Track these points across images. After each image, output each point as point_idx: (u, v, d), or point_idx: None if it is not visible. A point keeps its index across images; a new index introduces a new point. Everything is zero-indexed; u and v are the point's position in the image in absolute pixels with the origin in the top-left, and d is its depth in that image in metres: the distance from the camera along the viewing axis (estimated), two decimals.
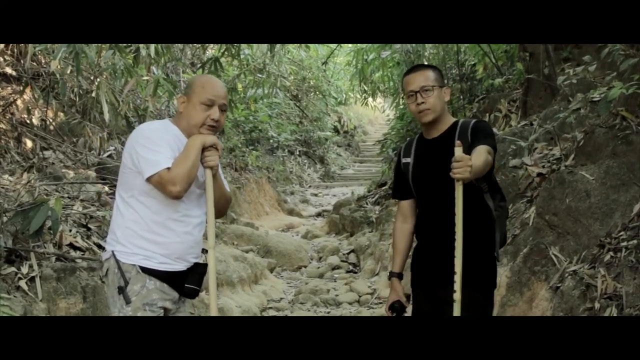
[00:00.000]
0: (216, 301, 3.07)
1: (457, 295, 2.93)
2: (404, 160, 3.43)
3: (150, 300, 2.97)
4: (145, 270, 2.97)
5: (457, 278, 2.94)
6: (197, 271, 3.14)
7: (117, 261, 2.98)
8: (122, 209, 3.03)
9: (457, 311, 2.93)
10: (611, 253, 4.38)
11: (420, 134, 3.42)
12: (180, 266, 3.06)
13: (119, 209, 3.04)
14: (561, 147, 5.89)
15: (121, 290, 2.95)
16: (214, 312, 3.04)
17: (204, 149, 2.99)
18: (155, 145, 2.92)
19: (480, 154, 3.02)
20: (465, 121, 3.30)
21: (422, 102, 3.21)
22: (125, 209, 3.01)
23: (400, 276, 3.47)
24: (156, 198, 2.97)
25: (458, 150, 2.90)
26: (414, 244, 3.50)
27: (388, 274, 3.63)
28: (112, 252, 3.00)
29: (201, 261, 3.17)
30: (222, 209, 3.22)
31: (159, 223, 2.98)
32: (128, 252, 2.98)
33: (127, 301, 2.94)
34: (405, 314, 3.48)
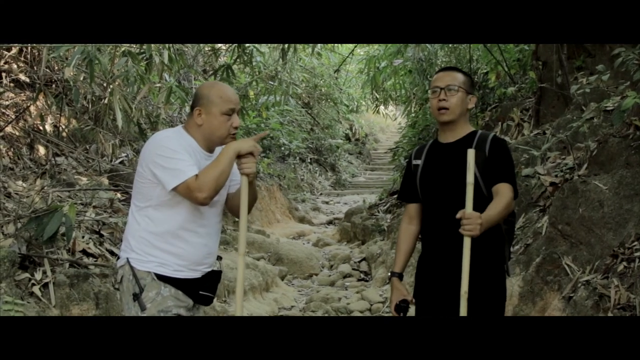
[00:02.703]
0: (242, 304, 3.05)
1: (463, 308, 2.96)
2: (414, 162, 3.39)
3: (165, 307, 2.96)
4: (160, 277, 2.97)
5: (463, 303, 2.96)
6: (212, 278, 3.14)
7: (131, 268, 2.98)
8: (137, 218, 3.02)
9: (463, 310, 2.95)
10: (624, 263, 4.36)
11: (435, 138, 3.39)
12: (195, 274, 3.05)
13: (134, 217, 3.03)
14: (574, 156, 5.87)
15: (136, 297, 2.95)
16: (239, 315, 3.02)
17: (241, 156, 2.96)
18: (175, 153, 2.90)
19: (502, 198, 3.05)
20: (484, 133, 3.26)
21: (444, 100, 3.19)
22: (140, 218, 3.00)
23: (400, 276, 3.43)
24: (173, 208, 2.96)
25: (468, 206, 2.91)
26: (420, 253, 3.48)
27: (389, 273, 3.60)
28: (127, 259, 3.00)
29: (216, 268, 3.17)
30: (250, 208, 3.17)
31: (174, 234, 2.98)
32: (143, 260, 2.98)
33: (142, 308, 2.94)
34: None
